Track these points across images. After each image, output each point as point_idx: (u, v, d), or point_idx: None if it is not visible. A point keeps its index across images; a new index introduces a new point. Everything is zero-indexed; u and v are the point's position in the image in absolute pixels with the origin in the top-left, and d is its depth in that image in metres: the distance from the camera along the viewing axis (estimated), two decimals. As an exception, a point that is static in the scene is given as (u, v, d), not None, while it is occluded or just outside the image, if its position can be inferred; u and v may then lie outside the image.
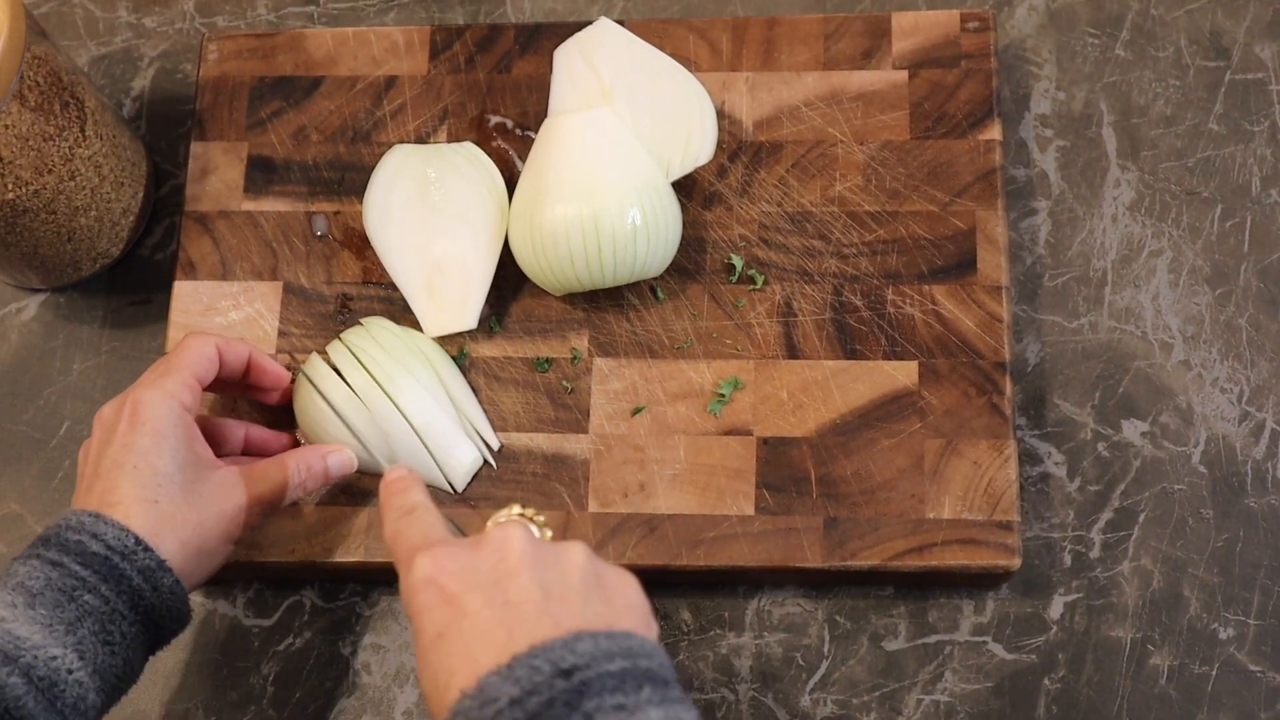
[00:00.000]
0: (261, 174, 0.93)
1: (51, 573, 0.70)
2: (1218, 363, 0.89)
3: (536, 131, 0.92)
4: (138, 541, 0.72)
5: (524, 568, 0.63)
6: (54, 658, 0.68)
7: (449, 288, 0.88)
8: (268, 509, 0.80)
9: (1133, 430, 0.88)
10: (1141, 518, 0.86)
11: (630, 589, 0.65)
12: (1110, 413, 0.88)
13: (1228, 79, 0.95)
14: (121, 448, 0.75)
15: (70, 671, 0.69)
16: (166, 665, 0.88)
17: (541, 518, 0.70)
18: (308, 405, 0.85)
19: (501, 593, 0.62)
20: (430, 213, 0.89)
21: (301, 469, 0.81)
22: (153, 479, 0.74)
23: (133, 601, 0.72)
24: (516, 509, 0.70)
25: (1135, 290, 0.91)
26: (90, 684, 0.70)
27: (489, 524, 0.68)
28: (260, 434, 0.86)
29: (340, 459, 0.83)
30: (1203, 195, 0.92)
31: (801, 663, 0.85)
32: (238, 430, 0.85)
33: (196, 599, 0.89)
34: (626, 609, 0.63)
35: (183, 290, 0.91)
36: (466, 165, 0.89)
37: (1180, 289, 0.90)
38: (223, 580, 0.89)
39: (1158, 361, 0.89)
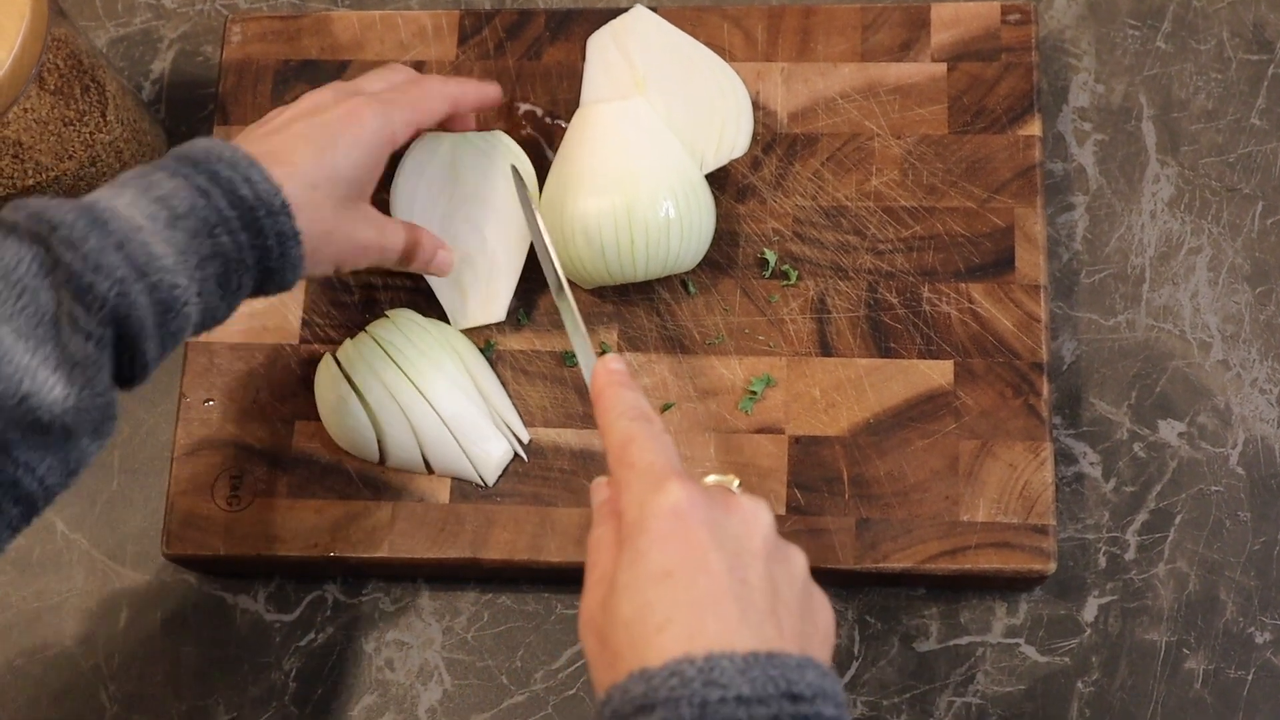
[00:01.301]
0: (285, 161, 0.92)
1: (198, 200, 0.67)
2: (1257, 363, 0.88)
3: (567, 120, 0.91)
4: (284, 205, 0.70)
5: (763, 555, 0.60)
6: (178, 286, 0.66)
7: (477, 280, 0.86)
8: (378, 259, 0.79)
9: (1170, 430, 0.87)
10: (1178, 519, 0.85)
11: (829, 616, 0.63)
12: (1147, 412, 0.87)
13: (1271, 73, 0.93)
14: (321, 125, 0.74)
15: (185, 304, 0.66)
16: (187, 660, 0.87)
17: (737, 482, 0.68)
18: (332, 397, 0.84)
19: (742, 568, 0.59)
20: (459, 203, 0.87)
21: (416, 244, 0.81)
22: (328, 169, 0.73)
23: (259, 258, 0.70)
24: (735, 480, 0.68)
25: (1174, 288, 0.89)
26: (194, 319, 0.68)
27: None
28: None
29: (445, 257, 0.83)
30: (1244, 192, 0.91)
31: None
32: None
33: (217, 594, 0.88)
34: (824, 639, 0.62)
35: (204, 279, 0.90)
36: (496, 155, 0.88)
37: (1220, 287, 0.89)
38: (244, 575, 0.88)
39: (1196, 361, 0.88)
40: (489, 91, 0.85)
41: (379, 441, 0.83)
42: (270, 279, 0.71)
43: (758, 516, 0.62)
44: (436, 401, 0.82)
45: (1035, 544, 0.81)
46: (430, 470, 0.84)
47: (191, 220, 0.67)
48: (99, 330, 0.63)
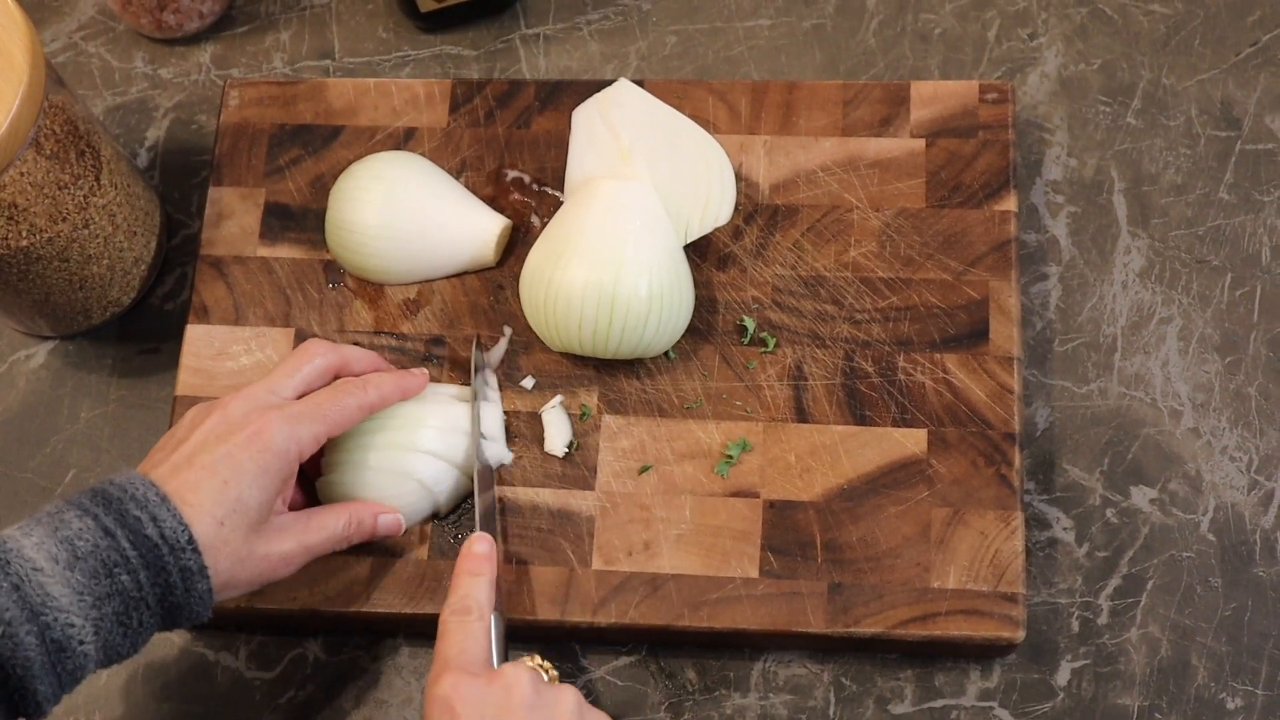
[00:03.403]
0: (278, 221, 0.94)
1: (101, 540, 0.70)
2: (1227, 431, 0.89)
3: (554, 187, 0.93)
4: (190, 540, 0.72)
5: (521, 709, 0.72)
6: (72, 625, 0.68)
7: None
8: (311, 557, 0.80)
9: (1141, 497, 0.88)
10: (1150, 585, 0.86)
11: None
12: (1119, 479, 0.88)
13: (1238, 149, 0.95)
14: (225, 456, 0.75)
15: (81, 643, 0.69)
16: (168, 717, 0.87)
17: (551, 669, 0.78)
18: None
19: None
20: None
21: (353, 524, 0.81)
22: (233, 502, 0.74)
23: (162, 595, 0.72)
24: (538, 659, 0.78)
25: (1145, 357, 0.91)
26: (94, 657, 0.70)
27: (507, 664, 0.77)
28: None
29: (389, 521, 0.83)
30: (1213, 264, 0.93)
31: (807, 726, 0.85)
32: None
33: (198, 650, 0.88)
34: None
35: (195, 334, 0.91)
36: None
37: (1190, 356, 0.91)
38: (224, 628, 0.89)
39: (1167, 428, 0.89)
40: (412, 385, 0.85)
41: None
42: (178, 613, 0.73)
43: (517, 679, 0.73)
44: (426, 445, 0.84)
45: (1005, 612, 0.81)
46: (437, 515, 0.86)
47: (92, 561, 0.70)
48: None
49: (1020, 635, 0.81)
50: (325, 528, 0.80)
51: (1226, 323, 0.91)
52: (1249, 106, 0.96)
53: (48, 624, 0.68)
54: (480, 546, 0.79)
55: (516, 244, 0.92)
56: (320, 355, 0.83)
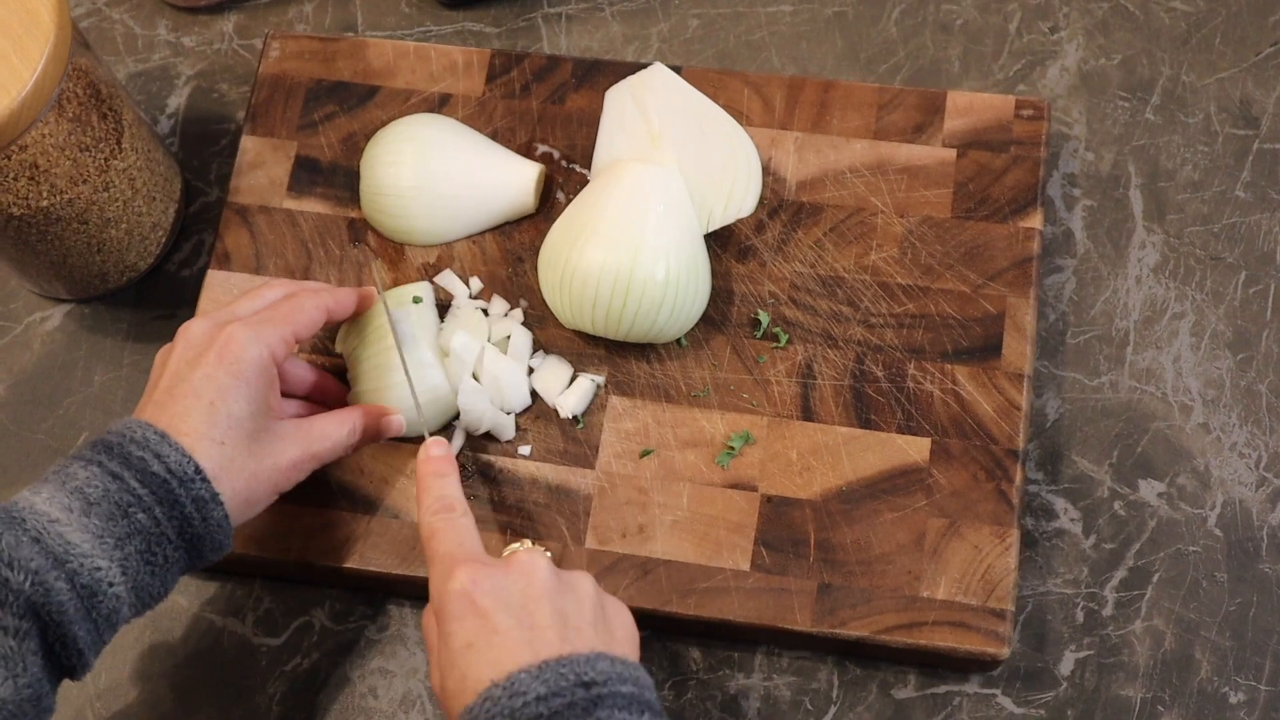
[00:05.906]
0: (307, 174, 0.94)
1: (110, 484, 0.71)
2: (1237, 427, 0.89)
3: (581, 165, 0.93)
4: (197, 470, 0.73)
5: (546, 595, 0.70)
6: (99, 569, 0.69)
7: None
8: (319, 464, 0.81)
9: (1149, 490, 0.88)
10: (1155, 578, 0.86)
11: (627, 619, 0.73)
12: (1128, 472, 0.89)
13: (1256, 147, 0.95)
14: (203, 378, 0.75)
15: (111, 585, 0.70)
16: (173, 680, 0.87)
17: (545, 551, 0.75)
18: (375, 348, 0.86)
19: (528, 615, 0.69)
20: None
21: (357, 430, 0.82)
22: (225, 420, 0.75)
23: (180, 528, 0.73)
24: (528, 542, 0.78)
25: (1157, 351, 0.91)
26: (126, 598, 0.71)
27: (505, 552, 0.75)
28: (330, 383, 0.88)
29: (394, 422, 0.84)
30: (1227, 261, 0.93)
31: (809, 707, 0.85)
32: (309, 375, 0.87)
33: (206, 616, 0.89)
34: (625, 639, 0.72)
35: (215, 279, 0.92)
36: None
37: (1202, 352, 0.91)
38: (222, 571, 0.89)
39: (1177, 423, 0.89)
40: (364, 300, 0.86)
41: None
42: (201, 545, 0.74)
43: (534, 564, 0.71)
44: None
45: (992, 627, 0.81)
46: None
47: (105, 505, 0.71)
48: (16, 623, 0.67)
49: (1005, 652, 0.81)
50: (329, 435, 0.80)
51: (1239, 320, 0.92)
52: (1268, 106, 0.96)
53: (75, 570, 0.68)
54: (437, 449, 0.79)
55: (551, 192, 0.93)
56: (282, 287, 0.83)
